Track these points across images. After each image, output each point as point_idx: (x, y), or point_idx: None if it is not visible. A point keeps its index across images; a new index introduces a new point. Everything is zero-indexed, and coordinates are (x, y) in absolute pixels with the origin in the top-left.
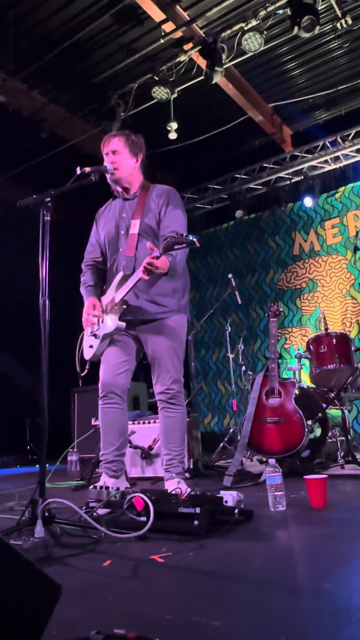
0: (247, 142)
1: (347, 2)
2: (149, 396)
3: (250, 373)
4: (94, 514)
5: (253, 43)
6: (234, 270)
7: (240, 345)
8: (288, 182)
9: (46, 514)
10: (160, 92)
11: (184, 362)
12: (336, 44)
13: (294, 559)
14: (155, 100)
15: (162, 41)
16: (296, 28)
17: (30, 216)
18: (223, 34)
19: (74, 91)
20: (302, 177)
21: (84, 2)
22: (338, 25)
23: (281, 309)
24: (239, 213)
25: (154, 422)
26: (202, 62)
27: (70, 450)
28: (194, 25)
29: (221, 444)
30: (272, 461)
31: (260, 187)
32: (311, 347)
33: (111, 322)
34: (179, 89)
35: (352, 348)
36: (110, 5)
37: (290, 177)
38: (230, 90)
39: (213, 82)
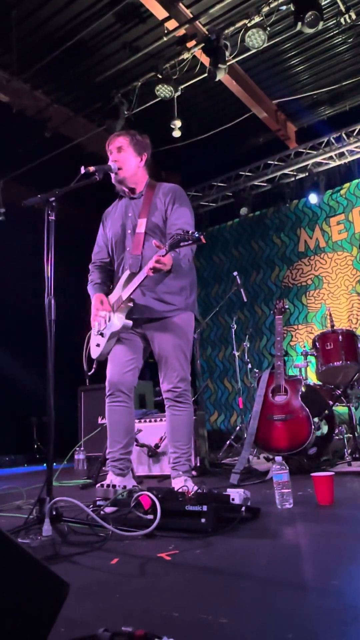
0: (251, 139)
1: None
2: (155, 394)
3: (257, 371)
4: (101, 512)
5: (256, 39)
6: (239, 268)
7: (246, 343)
8: (293, 179)
9: (53, 513)
10: (163, 90)
11: (190, 360)
12: (340, 39)
13: (301, 557)
14: (159, 99)
15: (165, 39)
16: (300, 24)
17: (35, 216)
18: (226, 31)
19: (77, 90)
20: (307, 174)
21: (87, 1)
22: (342, 20)
23: (287, 306)
24: (243, 210)
25: (161, 420)
26: (205, 60)
27: (77, 448)
28: (197, 22)
29: (228, 442)
30: (278, 459)
31: (265, 184)
32: (317, 344)
33: (118, 320)
34: (182, 86)
35: (359, 345)
36: (112, 4)
37: (294, 173)
38: (233, 87)
39: (216, 79)
